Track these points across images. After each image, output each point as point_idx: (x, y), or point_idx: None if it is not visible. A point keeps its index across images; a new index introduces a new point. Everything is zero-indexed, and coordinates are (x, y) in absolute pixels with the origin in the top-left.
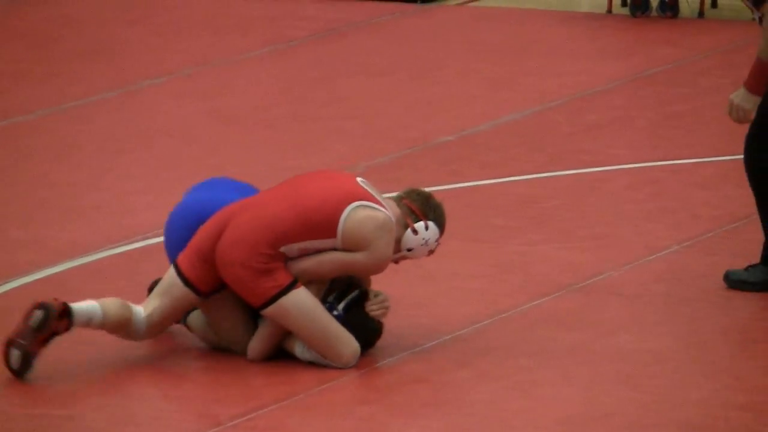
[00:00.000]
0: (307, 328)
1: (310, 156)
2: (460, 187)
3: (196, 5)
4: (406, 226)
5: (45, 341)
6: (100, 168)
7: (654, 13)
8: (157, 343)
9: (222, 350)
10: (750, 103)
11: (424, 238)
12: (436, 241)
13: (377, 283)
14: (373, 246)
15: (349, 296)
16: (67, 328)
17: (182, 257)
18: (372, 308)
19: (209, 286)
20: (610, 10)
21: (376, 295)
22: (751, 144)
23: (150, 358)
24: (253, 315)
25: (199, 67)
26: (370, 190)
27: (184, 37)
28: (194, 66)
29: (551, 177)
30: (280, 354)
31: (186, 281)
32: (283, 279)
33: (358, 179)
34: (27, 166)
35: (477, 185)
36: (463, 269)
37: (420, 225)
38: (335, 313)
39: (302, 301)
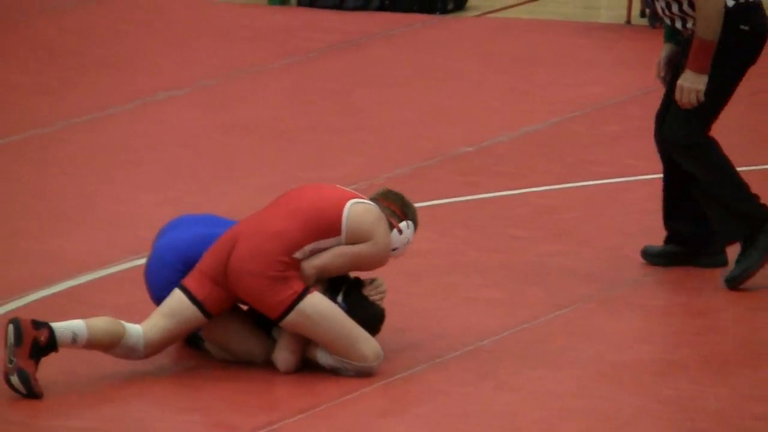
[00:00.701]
0: (328, 330)
1: (327, 167)
2: (478, 199)
3: (213, 17)
4: (391, 227)
5: (32, 354)
6: (117, 180)
7: None
8: (174, 353)
9: (239, 362)
10: (701, 84)
11: (407, 237)
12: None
13: (394, 294)
14: (376, 235)
15: (343, 287)
16: (49, 337)
17: (189, 280)
18: (371, 293)
19: (217, 308)
20: (629, 21)
21: (371, 282)
22: (677, 122)
23: (167, 368)
24: (260, 322)
25: (215, 78)
26: (357, 193)
27: (201, 48)
28: (211, 78)
29: (569, 188)
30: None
31: (195, 301)
32: (297, 286)
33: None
34: (43, 179)
35: (495, 196)
36: (481, 280)
37: (403, 224)
38: (337, 304)
39: (320, 304)
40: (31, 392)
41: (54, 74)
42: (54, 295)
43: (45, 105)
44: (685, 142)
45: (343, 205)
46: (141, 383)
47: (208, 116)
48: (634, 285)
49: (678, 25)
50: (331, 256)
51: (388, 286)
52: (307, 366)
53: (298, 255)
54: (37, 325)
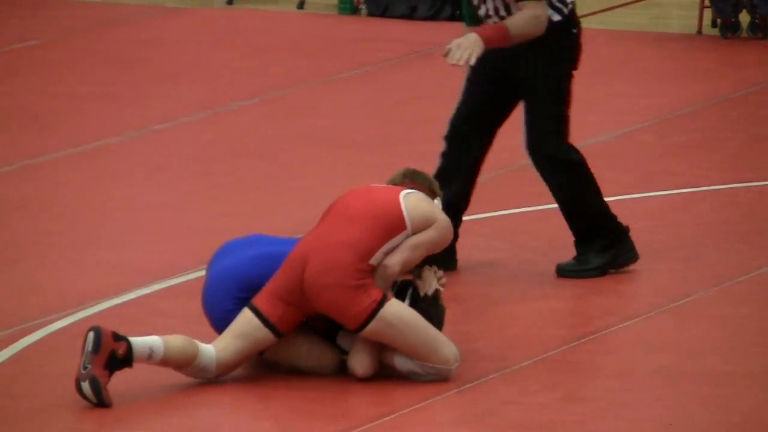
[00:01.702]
0: (410, 336)
1: None
2: (547, 209)
3: (285, 28)
4: None
5: (107, 365)
6: (189, 190)
7: (744, 34)
8: None
9: (304, 372)
10: (480, 49)
11: None
12: None
13: (464, 303)
14: (437, 216)
15: (409, 290)
16: (127, 351)
17: (260, 301)
18: (439, 282)
19: (288, 328)
20: (700, 31)
21: (429, 270)
22: (550, 139)
23: (234, 376)
24: (323, 333)
25: (288, 88)
26: (391, 186)
27: (272, 59)
28: (283, 88)
29: (640, 198)
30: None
31: (267, 322)
32: (376, 294)
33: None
34: (116, 188)
35: None
36: (552, 290)
37: (436, 201)
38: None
39: (401, 310)
40: (100, 401)
41: (124, 85)
42: (125, 304)
43: (117, 115)
44: (557, 156)
45: (398, 201)
46: (208, 391)
47: (279, 126)
48: (706, 295)
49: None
50: (410, 250)
51: (459, 296)
52: (377, 374)
53: (372, 261)
54: (117, 337)
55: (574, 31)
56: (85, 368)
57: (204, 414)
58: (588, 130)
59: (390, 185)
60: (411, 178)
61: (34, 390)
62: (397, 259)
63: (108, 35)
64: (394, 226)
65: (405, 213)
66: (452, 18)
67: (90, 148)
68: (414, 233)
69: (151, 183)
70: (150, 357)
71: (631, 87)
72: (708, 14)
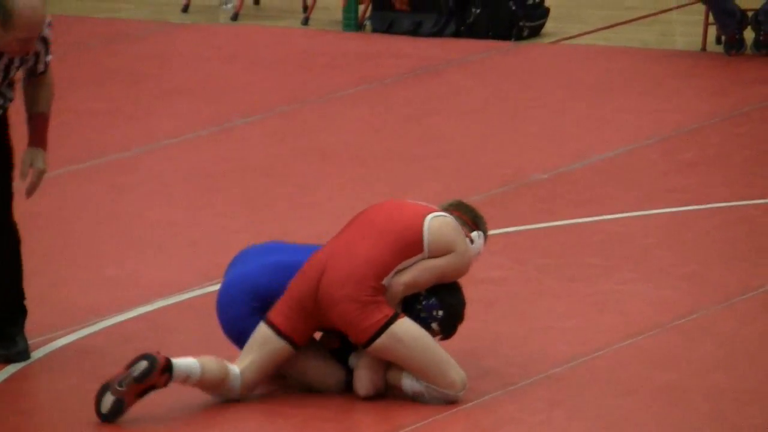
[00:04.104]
0: (419, 355)
1: (403, 194)
2: (554, 226)
3: (290, 43)
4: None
5: (141, 393)
6: (195, 206)
7: (749, 51)
8: None
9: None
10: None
11: (478, 247)
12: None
13: (469, 321)
14: (457, 246)
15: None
16: (165, 384)
17: (274, 314)
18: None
19: (304, 339)
20: (704, 48)
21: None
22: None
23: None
24: (335, 354)
25: (293, 104)
26: (429, 205)
27: (279, 75)
28: (289, 104)
29: (646, 215)
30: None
31: (283, 335)
32: (388, 310)
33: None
34: (122, 204)
35: (571, 223)
36: (557, 308)
37: (475, 234)
38: (423, 300)
39: (411, 327)
40: (108, 419)
41: (132, 100)
42: (130, 320)
43: (123, 130)
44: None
45: (422, 222)
46: (212, 408)
47: (285, 142)
48: (711, 313)
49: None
50: (419, 272)
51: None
52: (382, 393)
53: (385, 281)
54: (165, 370)
55: None
56: (120, 385)
57: (208, 431)
58: (593, 147)
59: (425, 204)
60: (456, 207)
61: (40, 405)
62: (403, 279)
63: (114, 51)
64: (411, 247)
65: (425, 235)
66: (457, 34)
67: (96, 163)
68: (431, 256)
69: (157, 199)
70: (185, 381)
71: (635, 104)
72: (712, 31)
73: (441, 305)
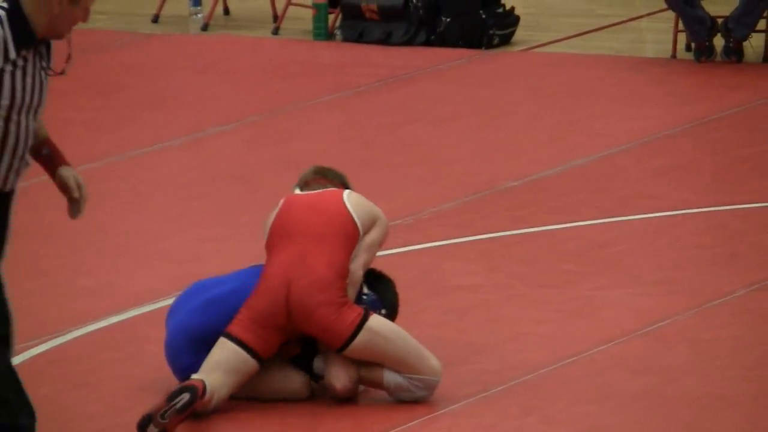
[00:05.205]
0: (399, 343)
1: (376, 202)
2: (527, 233)
3: (261, 53)
4: None
5: (182, 421)
6: (168, 215)
7: (718, 58)
8: None
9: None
10: None
11: None
12: None
13: (442, 328)
14: (377, 212)
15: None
16: (204, 409)
17: (237, 330)
18: None
19: (269, 353)
20: (674, 55)
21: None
22: None
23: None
24: (300, 360)
25: (266, 113)
26: (324, 188)
27: (251, 84)
28: (261, 113)
29: (618, 222)
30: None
31: (250, 351)
32: (358, 309)
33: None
34: (95, 214)
35: (544, 230)
36: (530, 314)
37: None
38: (365, 297)
39: (383, 320)
40: None
41: (105, 110)
42: (102, 329)
43: (96, 140)
44: None
45: (345, 208)
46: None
47: (257, 151)
48: (685, 318)
49: None
50: (366, 251)
51: (436, 321)
52: (353, 399)
53: (348, 280)
54: (202, 396)
55: None
56: (162, 417)
57: None
58: (566, 153)
59: (320, 190)
60: (323, 175)
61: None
62: (359, 263)
63: (85, 62)
64: (352, 235)
65: (354, 218)
66: (427, 43)
67: None
68: (365, 231)
69: (130, 208)
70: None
71: (607, 111)
72: (682, 38)
73: (383, 303)
